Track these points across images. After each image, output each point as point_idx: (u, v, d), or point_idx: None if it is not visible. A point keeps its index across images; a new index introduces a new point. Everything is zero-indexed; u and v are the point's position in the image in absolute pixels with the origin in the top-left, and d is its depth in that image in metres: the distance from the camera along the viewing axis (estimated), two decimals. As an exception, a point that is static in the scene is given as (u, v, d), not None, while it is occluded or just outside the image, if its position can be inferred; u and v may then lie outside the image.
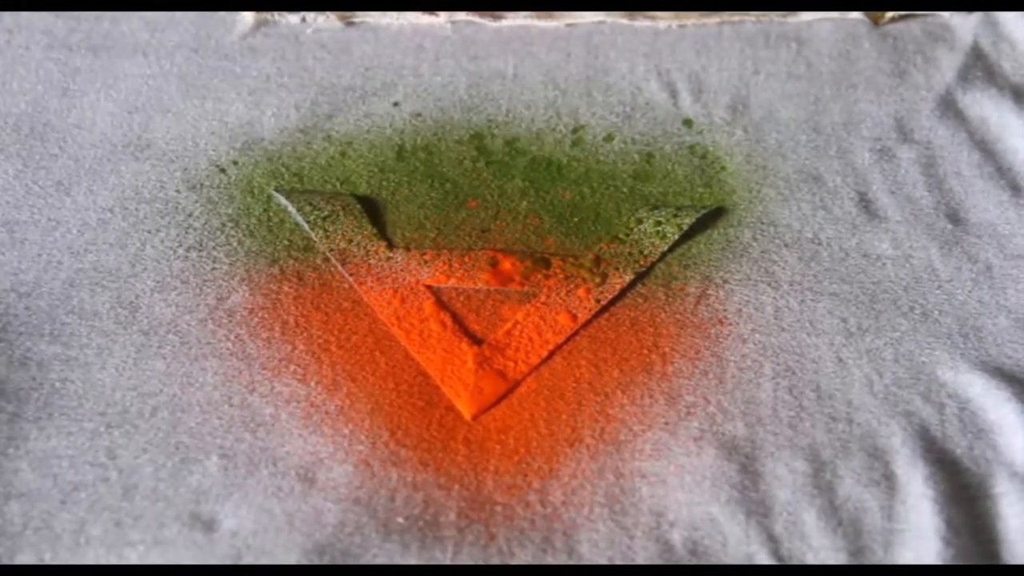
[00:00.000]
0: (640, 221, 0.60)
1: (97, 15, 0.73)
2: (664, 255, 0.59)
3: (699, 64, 0.70)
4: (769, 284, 0.58)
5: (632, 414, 0.52)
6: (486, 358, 0.54)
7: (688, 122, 0.66)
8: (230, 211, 0.61)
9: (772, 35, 0.71)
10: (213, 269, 0.58)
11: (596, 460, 0.50)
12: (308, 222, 0.60)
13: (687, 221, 0.60)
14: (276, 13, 0.72)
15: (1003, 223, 0.61)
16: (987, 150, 0.65)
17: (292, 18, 0.72)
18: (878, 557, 0.47)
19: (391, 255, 0.59)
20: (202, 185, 0.62)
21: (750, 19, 0.72)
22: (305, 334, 0.55)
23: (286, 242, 0.60)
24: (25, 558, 0.46)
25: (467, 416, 0.52)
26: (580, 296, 0.57)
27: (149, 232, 0.60)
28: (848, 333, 0.56)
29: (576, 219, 0.61)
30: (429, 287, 0.57)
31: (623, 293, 0.57)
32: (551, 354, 0.55)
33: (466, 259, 0.59)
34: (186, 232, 0.60)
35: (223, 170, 0.63)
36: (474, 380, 0.53)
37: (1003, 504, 0.49)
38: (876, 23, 0.72)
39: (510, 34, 0.73)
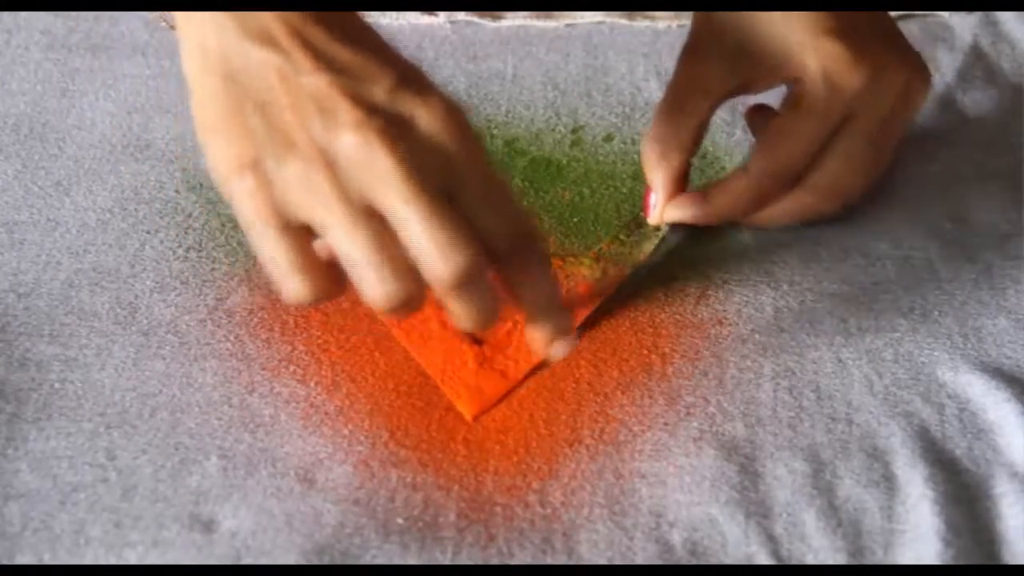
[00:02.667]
0: (640, 222, 0.60)
1: (97, 15, 0.73)
2: (663, 255, 0.59)
3: (699, 64, 0.69)
4: (769, 284, 0.58)
5: (632, 415, 0.52)
6: (487, 358, 0.54)
7: (688, 122, 0.66)
8: (230, 211, 0.61)
9: (772, 35, 0.71)
10: (212, 270, 0.58)
11: (596, 461, 0.50)
12: (307, 222, 0.60)
13: (687, 221, 0.60)
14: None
15: (1003, 223, 0.61)
16: (987, 150, 0.65)
17: (291, 18, 0.72)
18: (878, 558, 0.47)
19: (391, 255, 0.59)
20: (202, 185, 0.62)
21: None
22: (304, 334, 0.55)
23: (285, 242, 0.59)
24: (24, 559, 0.46)
25: (468, 416, 0.52)
26: (580, 296, 0.57)
27: (148, 233, 0.60)
28: (848, 333, 0.56)
29: (576, 219, 0.61)
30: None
31: (622, 293, 0.57)
32: (551, 354, 0.55)
33: (466, 259, 0.58)
34: (185, 233, 0.60)
35: (222, 170, 0.63)
36: (475, 380, 0.53)
37: (1003, 504, 0.49)
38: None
39: (509, 34, 0.73)
